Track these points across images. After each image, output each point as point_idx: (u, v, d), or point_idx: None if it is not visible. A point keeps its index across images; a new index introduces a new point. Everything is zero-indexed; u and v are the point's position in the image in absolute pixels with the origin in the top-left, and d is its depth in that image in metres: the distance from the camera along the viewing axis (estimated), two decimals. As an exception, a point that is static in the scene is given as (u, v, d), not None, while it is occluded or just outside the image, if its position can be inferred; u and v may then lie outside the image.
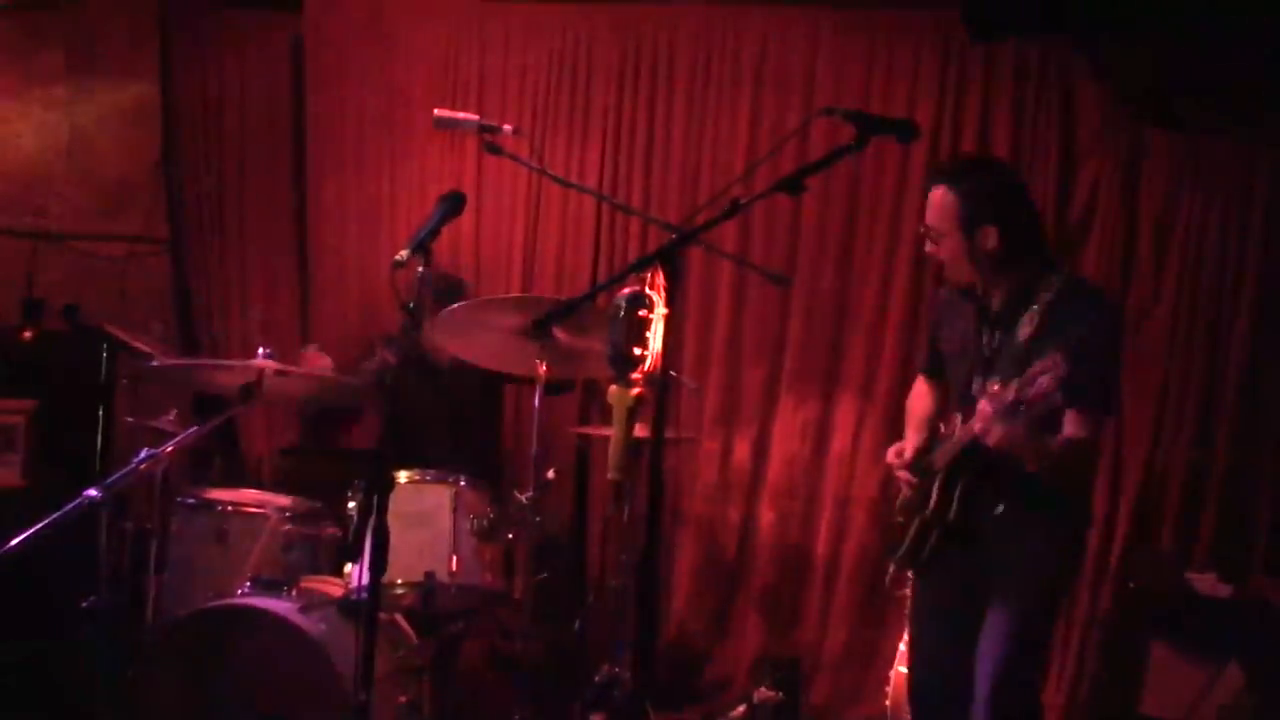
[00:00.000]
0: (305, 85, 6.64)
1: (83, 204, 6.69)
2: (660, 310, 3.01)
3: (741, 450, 6.17)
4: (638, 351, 3.00)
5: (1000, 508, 3.67)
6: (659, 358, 3.03)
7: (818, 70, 6.11)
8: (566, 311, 3.89)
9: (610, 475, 3.23)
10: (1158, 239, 5.70)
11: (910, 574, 4.06)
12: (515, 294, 5.98)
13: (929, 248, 3.79)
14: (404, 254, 3.37)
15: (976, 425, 3.51)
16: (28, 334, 6.02)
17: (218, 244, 6.72)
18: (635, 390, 3.09)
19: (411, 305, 3.45)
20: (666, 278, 2.99)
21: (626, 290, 3.04)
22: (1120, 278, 5.71)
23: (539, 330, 3.95)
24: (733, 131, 6.18)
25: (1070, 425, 3.56)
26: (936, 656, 3.88)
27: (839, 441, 6.07)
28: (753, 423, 6.17)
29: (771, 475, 6.15)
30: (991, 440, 3.47)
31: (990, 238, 3.66)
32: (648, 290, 3.03)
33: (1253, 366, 5.57)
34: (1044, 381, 3.22)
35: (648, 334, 3.01)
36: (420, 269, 3.41)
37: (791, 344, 6.13)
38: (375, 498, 3.29)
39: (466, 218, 6.19)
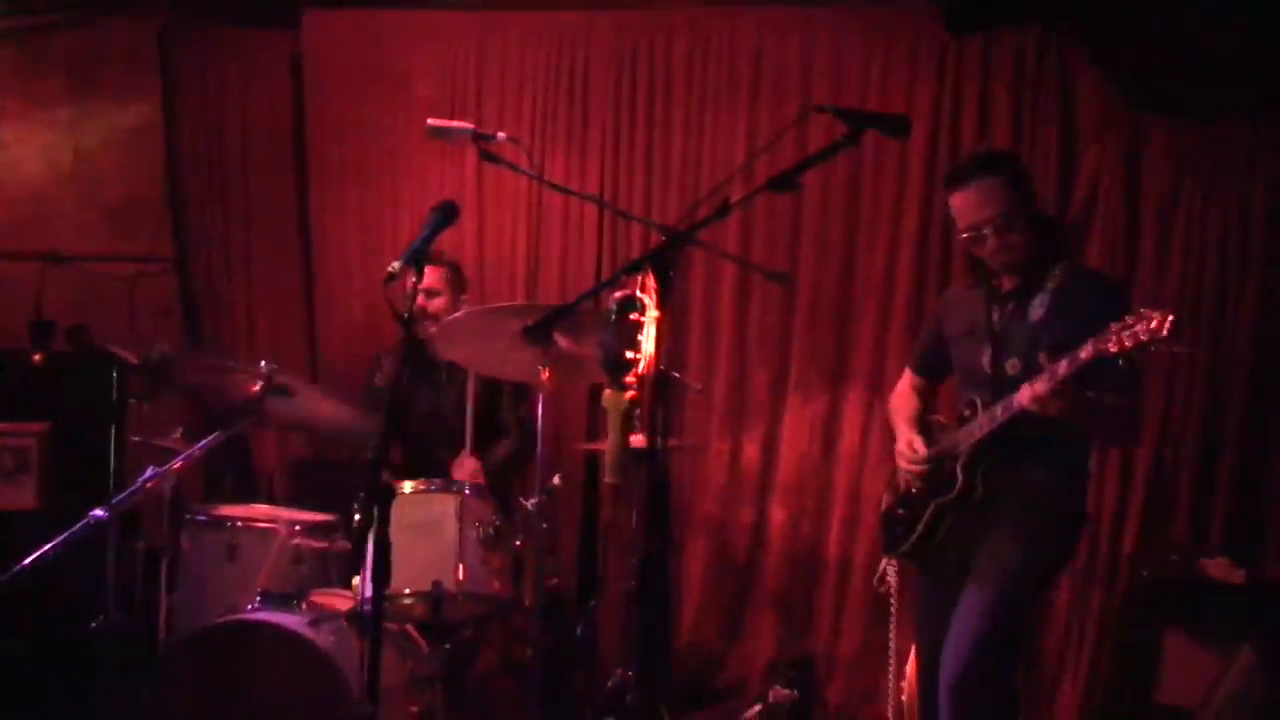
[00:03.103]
0: (305, 101, 6.67)
1: (89, 225, 6.71)
2: (652, 313, 3.01)
3: (750, 450, 6.17)
4: (630, 355, 3.00)
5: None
6: (652, 360, 3.03)
7: (814, 68, 6.11)
8: (563, 316, 3.89)
9: (607, 479, 3.24)
10: (1161, 228, 5.68)
11: (903, 565, 4.07)
12: (519, 301, 5.98)
13: (975, 246, 3.86)
14: (396, 266, 3.36)
15: (1027, 396, 3.54)
16: (38, 357, 6.04)
17: (223, 260, 6.76)
18: (629, 394, 3.10)
19: (406, 316, 3.46)
20: (657, 280, 2.99)
21: (618, 294, 3.04)
22: (1124, 268, 5.69)
23: (537, 335, 3.93)
24: (731, 132, 6.18)
25: (1113, 398, 3.61)
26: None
27: (848, 438, 6.07)
28: (761, 422, 6.17)
29: (781, 474, 6.16)
30: (1054, 408, 3.51)
31: (1031, 219, 3.82)
32: (639, 293, 3.03)
33: (1259, 352, 5.55)
34: (1139, 330, 3.21)
35: (639, 337, 3.01)
36: (413, 280, 3.41)
37: (797, 342, 6.14)
38: (375, 508, 3.28)
39: (469, 226, 6.24)
